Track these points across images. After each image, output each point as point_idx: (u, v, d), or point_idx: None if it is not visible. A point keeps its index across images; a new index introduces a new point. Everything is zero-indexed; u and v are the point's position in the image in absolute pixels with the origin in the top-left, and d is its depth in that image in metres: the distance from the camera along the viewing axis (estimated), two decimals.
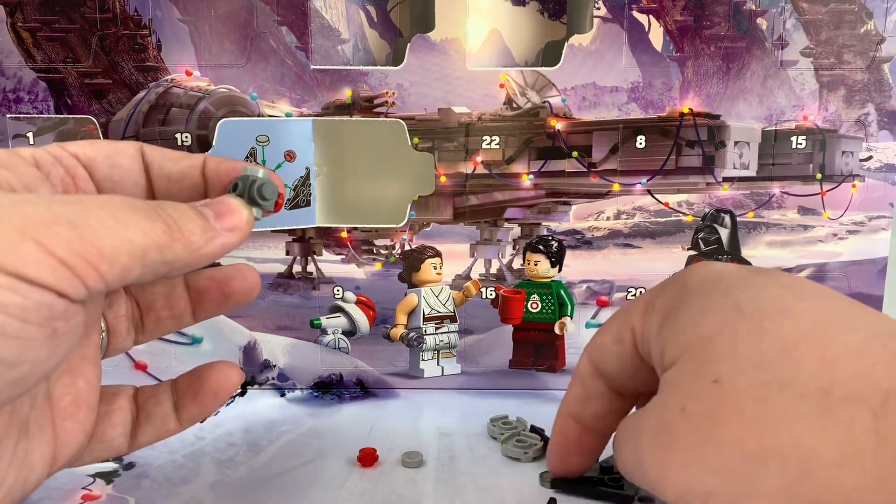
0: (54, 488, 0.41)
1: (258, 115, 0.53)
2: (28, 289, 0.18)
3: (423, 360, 0.57)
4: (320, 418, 0.52)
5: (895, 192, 0.56)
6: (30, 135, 0.52)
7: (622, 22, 0.53)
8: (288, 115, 0.53)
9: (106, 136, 0.53)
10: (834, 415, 0.17)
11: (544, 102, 0.54)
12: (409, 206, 0.55)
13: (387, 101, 0.54)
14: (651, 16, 0.53)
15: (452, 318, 0.57)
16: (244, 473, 0.43)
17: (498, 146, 0.54)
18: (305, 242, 0.56)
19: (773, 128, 0.54)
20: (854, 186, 0.55)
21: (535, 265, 0.55)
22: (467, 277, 0.57)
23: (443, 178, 0.55)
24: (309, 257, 0.56)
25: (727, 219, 0.56)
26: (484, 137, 0.54)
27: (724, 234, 0.56)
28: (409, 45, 0.53)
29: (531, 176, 0.55)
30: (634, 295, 0.57)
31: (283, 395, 0.57)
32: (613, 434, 0.25)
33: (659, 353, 0.22)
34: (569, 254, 0.56)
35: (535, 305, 0.56)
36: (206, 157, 0.26)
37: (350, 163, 0.54)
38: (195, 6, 0.52)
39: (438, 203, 0.55)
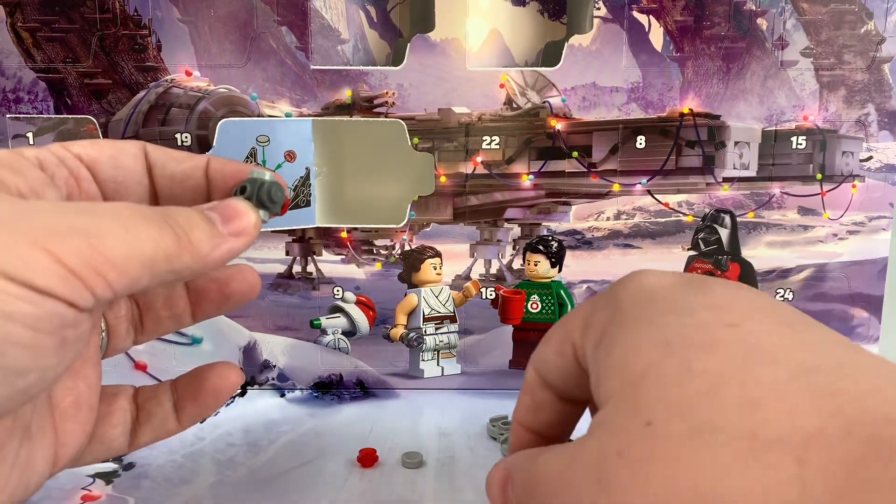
0: (54, 488, 0.41)
1: (258, 116, 0.53)
2: (40, 299, 0.18)
3: (423, 360, 0.57)
4: (320, 418, 0.52)
5: (895, 192, 0.56)
6: (29, 135, 0.52)
7: (622, 22, 0.53)
8: (288, 115, 0.53)
9: (106, 136, 0.53)
10: (761, 461, 0.16)
11: (544, 102, 0.54)
12: (409, 206, 0.55)
13: (387, 101, 0.54)
14: (651, 16, 0.53)
15: (452, 319, 0.57)
16: (244, 473, 0.43)
17: (498, 146, 0.54)
18: (305, 243, 0.56)
19: (774, 128, 0.54)
20: (854, 187, 0.55)
21: (535, 265, 0.55)
22: (467, 277, 0.57)
23: (443, 178, 0.55)
24: (309, 257, 0.56)
25: (727, 219, 0.56)
26: (484, 137, 0.54)
27: (724, 234, 0.56)
28: (409, 45, 0.53)
29: (531, 176, 0.55)
30: None
31: (282, 395, 0.57)
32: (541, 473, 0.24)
33: (594, 379, 0.22)
34: (569, 254, 0.56)
35: (535, 306, 0.56)
36: (209, 158, 0.26)
37: (350, 163, 0.54)
38: (195, 6, 0.52)
39: (438, 203, 0.55)
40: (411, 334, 0.56)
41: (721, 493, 0.17)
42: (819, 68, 0.54)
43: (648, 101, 0.54)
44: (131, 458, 0.45)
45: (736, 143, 0.54)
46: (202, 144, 0.53)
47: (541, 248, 0.55)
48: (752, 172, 0.55)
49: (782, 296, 0.57)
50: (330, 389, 0.57)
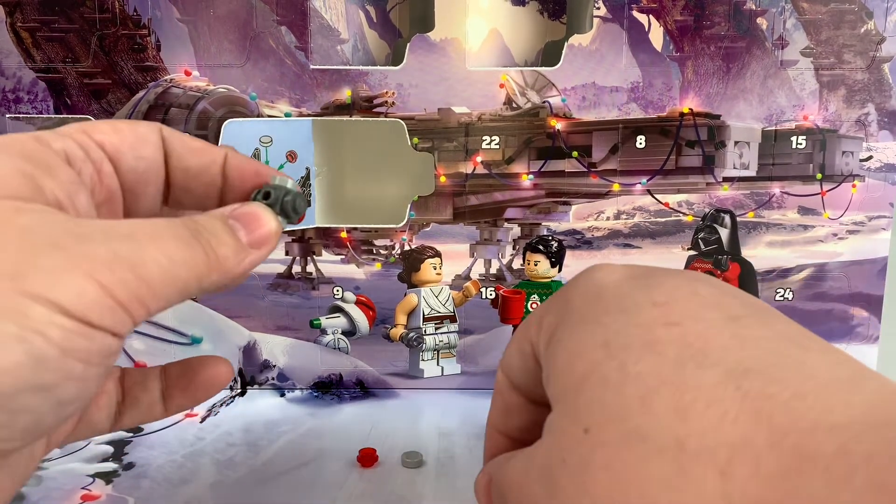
0: (54, 488, 0.41)
1: (258, 115, 0.53)
2: (94, 333, 0.18)
3: (423, 360, 0.57)
4: (320, 418, 0.52)
5: (895, 192, 0.56)
6: None
7: (622, 22, 0.53)
8: (287, 115, 0.53)
9: None
10: (686, 473, 0.16)
11: (544, 102, 0.54)
12: (409, 206, 0.55)
13: (386, 101, 0.53)
14: (651, 16, 0.53)
15: (452, 319, 0.57)
16: (244, 473, 0.43)
17: (498, 146, 0.54)
18: (305, 243, 0.56)
19: (774, 128, 0.54)
20: (854, 186, 0.55)
21: (535, 265, 0.55)
22: (467, 277, 0.57)
23: (443, 178, 0.55)
24: (308, 257, 0.56)
25: (727, 219, 0.56)
26: (484, 137, 0.54)
27: (724, 234, 0.56)
28: (408, 45, 0.53)
29: (531, 176, 0.55)
30: None
31: (282, 395, 0.57)
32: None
33: (545, 381, 0.22)
34: (569, 254, 0.56)
35: (535, 305, 0.56)
36: (227, 153, 0.25)
37: (350, 163, 0.54)
38: (194, 6, 0.52)
39: (438, 203, 0.55)
40: (411, 334, 0.56)
41: None
42: (819, 68, 0.54)
43: (648, 101, 0.54)
44: (131, 457, 0.45)
45: (736, 142, 0.54)
46: None
47: (541, 247, 0.55)
48: (752, 172, 0.55)
49: (782, 295, 0.57)
50: (330, 389, 0.57)
